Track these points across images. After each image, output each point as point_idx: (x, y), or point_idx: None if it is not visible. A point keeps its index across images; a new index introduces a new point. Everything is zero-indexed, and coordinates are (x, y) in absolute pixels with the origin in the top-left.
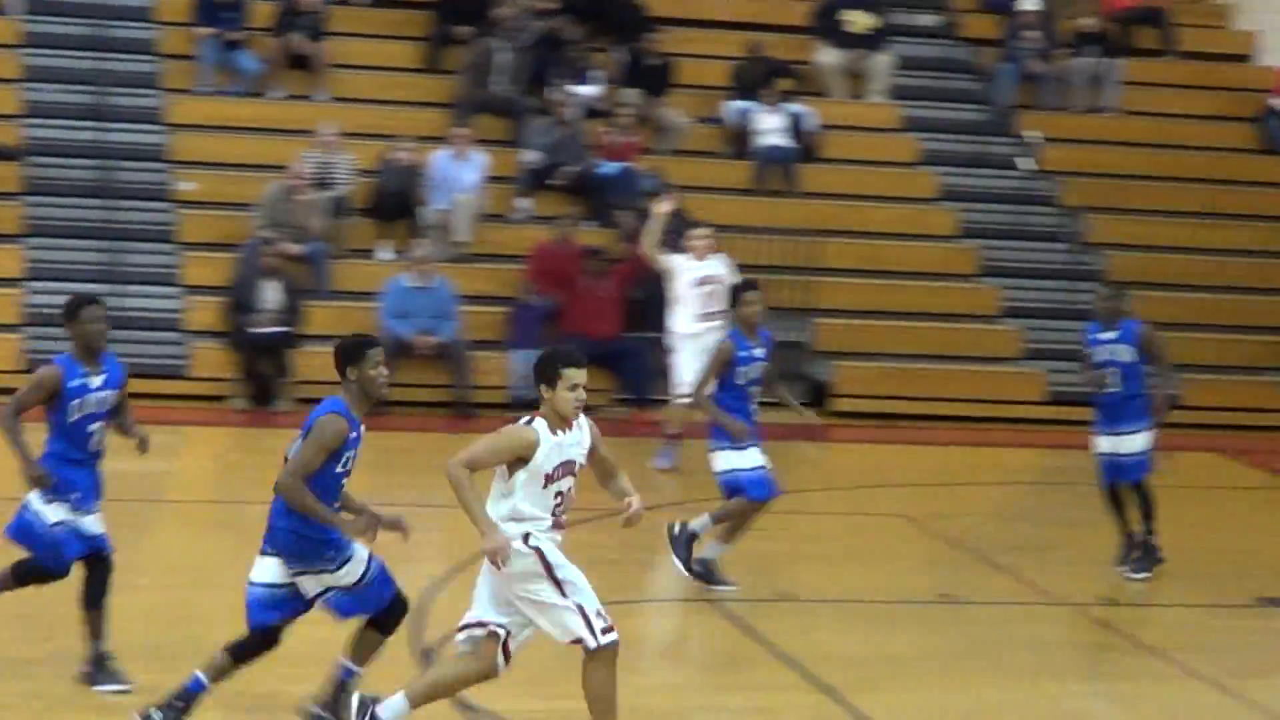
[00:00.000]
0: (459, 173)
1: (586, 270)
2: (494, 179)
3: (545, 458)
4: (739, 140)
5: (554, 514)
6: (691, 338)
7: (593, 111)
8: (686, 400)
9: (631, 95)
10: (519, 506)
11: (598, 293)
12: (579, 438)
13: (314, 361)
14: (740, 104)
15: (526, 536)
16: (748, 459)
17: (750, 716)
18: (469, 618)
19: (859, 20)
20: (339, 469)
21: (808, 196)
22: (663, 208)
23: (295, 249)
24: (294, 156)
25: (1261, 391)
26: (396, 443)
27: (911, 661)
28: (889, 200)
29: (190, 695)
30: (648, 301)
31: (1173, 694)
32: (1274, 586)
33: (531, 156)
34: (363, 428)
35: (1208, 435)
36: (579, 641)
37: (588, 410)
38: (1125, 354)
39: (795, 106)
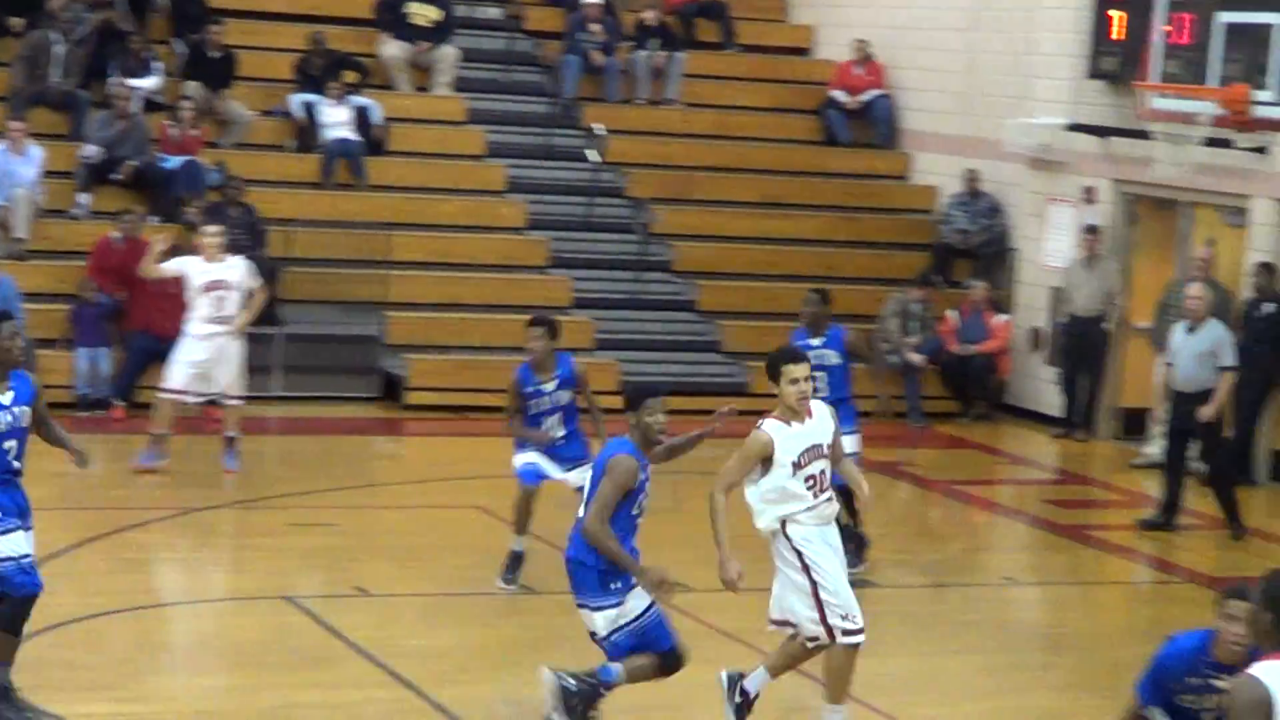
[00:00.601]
0: (16, 167)
1: None
2: (53, 174)
3: (785, 450)
4: (305, 133)
5: (813, 496)
6: (195, 339)
7: (154, 104)
8: (169, 396)
9: (193, 88)
10: (774, 492)
11: (163, 289)
12: (819, 424)
13: None
14: (305, 97)
15: (784, 524)
16: (525, 457)
17: (330, 713)
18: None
19: (423, 13)
20: (634, 511)
21: (376, 190)
22: (158, 246)
23: None
24: None
25: None
26: None
27: (490, 653)
28: (457, 193)
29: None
30: None
31: None
32: None
33: (91, 150)
34: (650, 469)
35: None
36: (817, 638)
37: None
38: (834, 359)
39: (361, 99)
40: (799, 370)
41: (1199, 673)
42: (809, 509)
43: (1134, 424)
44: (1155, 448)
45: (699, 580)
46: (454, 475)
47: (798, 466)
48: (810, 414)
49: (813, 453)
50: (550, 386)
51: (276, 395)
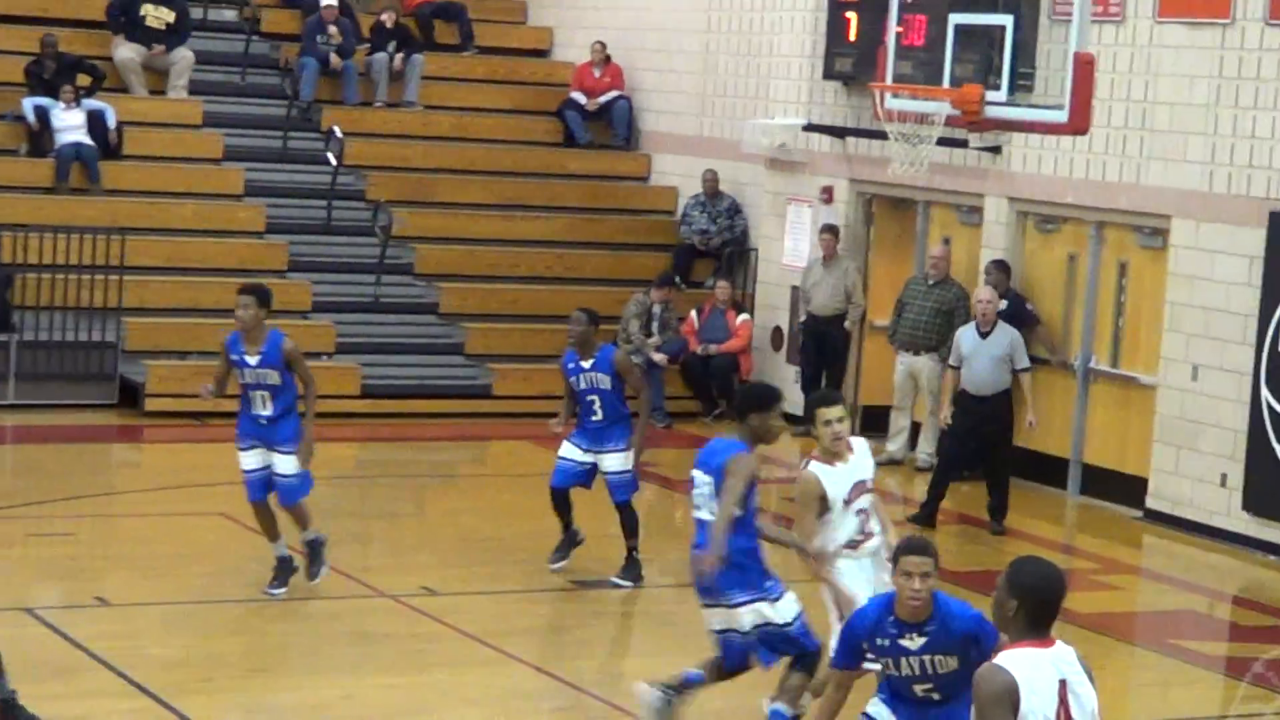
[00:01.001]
0: None
1: None
2: None
3: (834, 489)
4: (37, 137)
5: (862, 531)
6: None
7: None
8: None
9: None
10: (835, 536)
11: None
12: (860, 460)
13: None
14: (37, 100)
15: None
16: (245, 460)
17: None
18: None
19: (157, 15)
20: (753, 505)
21: (111, 194)
22: None
23: None
24: None
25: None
26: None
27: (235, 661)
28: (194, 197)
29: (689, 684)
30: None
31: (496, 679)
32: (583, 569)
33: None
34: None
35: (517, 424)
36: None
37: None
38: (605, 382)
39: (95, 103)
40: (832, 412)
41: (885, 633)
42: (854, 544)
43: (874, 421)
44: (895, 445)
45: (440, 583)
46: (195, 482)
47: (847, 503)
48: (851, 450)
49: (859, 488)
50: (254, 360)
51: (10, 404)
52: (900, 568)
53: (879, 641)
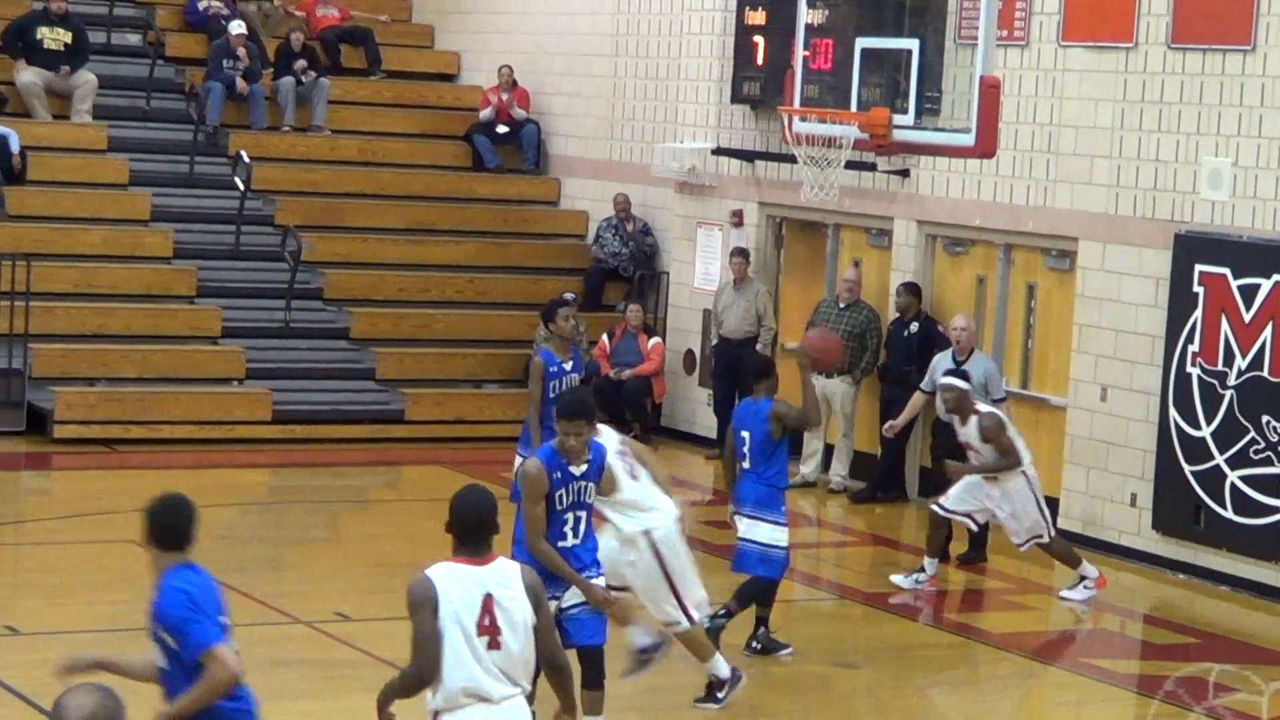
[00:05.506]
0: None
1: None
2: None
3: None
4: None
5: None
6: None
7: None
8: None
9: None
10: None
11: None
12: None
13: None
14: None
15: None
16: None
17: None
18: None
19: (54, 37)
20: None
21: (15, 220)
22: None
23: None
24: None
25: (479, 403)
26: None
27: (148, 689)
28: (101, 222)
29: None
30: None
31: (411, 705)
32: None
33: None
34: None
35: (430, 449)
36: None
37: None
38: None
39: None
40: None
41: None
42: None
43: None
44: (809, 467)
45: (354, 609)
46: (105, 509)
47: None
48: None
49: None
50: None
51: None
52: None
53: None
